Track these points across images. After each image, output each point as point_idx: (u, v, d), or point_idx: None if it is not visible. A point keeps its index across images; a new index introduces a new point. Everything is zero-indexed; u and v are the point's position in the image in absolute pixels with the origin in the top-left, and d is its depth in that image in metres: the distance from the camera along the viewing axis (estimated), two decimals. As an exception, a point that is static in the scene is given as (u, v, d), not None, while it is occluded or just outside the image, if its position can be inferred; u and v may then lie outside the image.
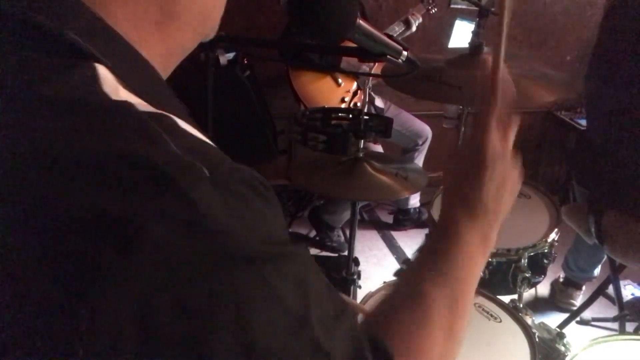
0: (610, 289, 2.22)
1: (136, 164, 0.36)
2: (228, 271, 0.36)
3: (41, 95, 0.39)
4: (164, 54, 0.49)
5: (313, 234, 2.98)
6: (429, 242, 0.67)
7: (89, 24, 0.43)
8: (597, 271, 2.47)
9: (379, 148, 2.68)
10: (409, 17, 2.66)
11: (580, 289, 2.53)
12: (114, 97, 0.40)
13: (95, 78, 0.40)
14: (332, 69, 2.60)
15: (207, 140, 0.43)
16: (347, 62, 2.50)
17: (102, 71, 0.41)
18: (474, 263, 0.65)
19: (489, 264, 1.52)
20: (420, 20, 2.69)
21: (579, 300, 2.51)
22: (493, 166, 0.66)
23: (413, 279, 0.62)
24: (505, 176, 0.68)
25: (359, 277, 1.85)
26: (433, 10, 2.75)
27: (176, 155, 0.37)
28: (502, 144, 0.67)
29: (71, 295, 0.34)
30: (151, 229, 0.34)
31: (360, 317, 0.55)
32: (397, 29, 2.66)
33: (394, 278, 1.92)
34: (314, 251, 2.88)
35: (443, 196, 0.70)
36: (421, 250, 0.65)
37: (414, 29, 2.68)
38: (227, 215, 0.37)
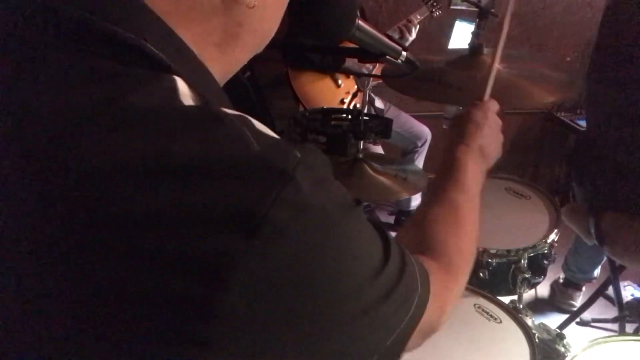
0: (610, 290, 2.22)
1: (240, 161, 0.39)
2: (333, 233, 0.42)
3: (129, 105, 0.39)
4: (221, 71, 0.51)
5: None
6: (442, 168, 0.83)
7: (164, 37, 0.44)
8: (597, 272, 2.47)
9: (378, 149, 2.68)
10: (402, 27, 2.64)
11: (580, 289, 2.53)
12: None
13: (175, 90, 0.42)
14: (333, 70, 2.60)
15: (276, 136, 0.46)
16: (352, 61, 2.49)
17: (181, 84, 0.43)
18: (478, 179, 0.83)
19: (488, 264, 1.52)
20: (418, 28, 2.67)
21: (579, 301, 2.51)
22: (488, 123, 0.90)
23: (439, 192, 0.77)
24: (495, 134, 0.91)
25: (358, 277, 1.84)
26: (437, 13, 2.74)
27: (269, 148, 0.41)
28: (496, 115, 0.94)
29: (201, 290, 0.36)
30: (274, 213, 0.38)
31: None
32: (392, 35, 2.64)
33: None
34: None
35: (448, 140, 0.88)
36: (439, 174, 0.83)
37: (410, 37, 2.66)
38: (317, 191, 0.41)
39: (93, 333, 0.37)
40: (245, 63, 0.56)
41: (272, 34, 0.56)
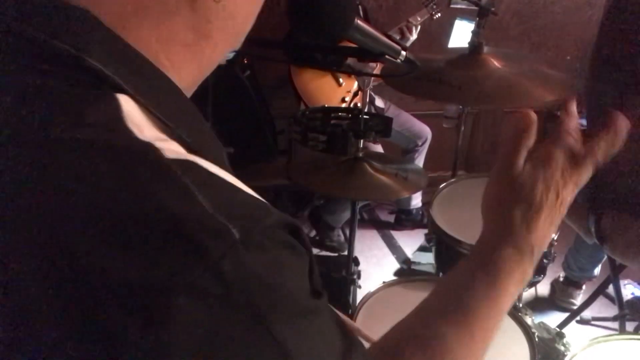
0: (611, 289, 2.22)
1: (164, 226, 0.33)
2: (257, 345, 0.35)
3: (60, 137, 0.35)
4: (195, 73, 0.47)
5: (313, 233, 2.98)
6: (468, 263, 0.61)
7: (111, 49, 0.40)
8: (597, 270, 2.47)
9: (379, 148, 2.68)
10: (403, 27, 2.64)
11: (580, 288, 2.53)
12: (139, 135, 0.37)
13: (118, 113, 0.37)
14: (336, 67, 2.60)
15: (238, 184, 0.40)
16: (353, 60, 2.49)
17: (126, 104, 0.38)
18: (510, 301, 0.59)
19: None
20: (419, 28, 2.67)
21: (579, 299, 2.51)
22: (549, 205, 0.59)
23: (454, 297, 0.58)
24: (554, 220, 0.61)
25: (358, 276, 1.85)
26: (437, 15, 2.75)
27: (206, 216, 0.34)
28: (563, 191, 0.60)
29: None
30: (180, 303, 0.32)
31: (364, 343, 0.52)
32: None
33: (394, 278, 1.92)
34: (313, 251, 2.88)
35: (488, 217, 0.63)
36: (460, 271, 0.61)
37: (411, 37, 2.66)
38: (258, 283, 0.35)
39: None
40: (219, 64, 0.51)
41: (247, 30, 0.52)
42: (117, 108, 0.37)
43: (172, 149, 0.38)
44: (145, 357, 0.32)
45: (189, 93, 0.48)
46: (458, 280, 0.60)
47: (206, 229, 0.34)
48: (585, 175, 0.61)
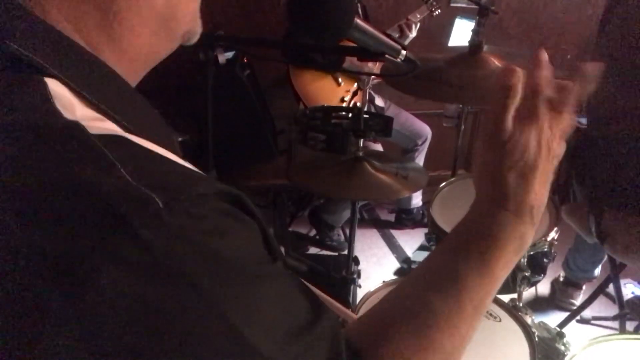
0: (611, 288, 2.22)
1: (83, 197, 0.34)
2: (182, 310, 0.34)
3: None
4: (124, 59, 0.46)
5: (313, 233, 2.98)
6: (459, 229, 0.59)
7: (36, 33, 0.40)
8: (597, 271, 2.47)
9: (379, 147, 2.68)
10: (403, 25, 2.64)
11: (580, 289, 2.53)
12: (68, 115, 0.37)
13: (46, 95, 0.38)
14: (334, 69, 2.60)
15: (175, 159, 0.40)
16: (351, 61, 2.50)
17: (54, 86, 0.38)
18: (507, 268, 0.58)
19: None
20: (418, 26, 2.68)
21: (579, 300, 2.51)
22: (542, 164, 0.58)
23: (443, 265, 0.56)
24: (549, 174, 0.60)
25: (358, 276, 1.85)
26: (436, 12, 2.75)
27: (127, 186, 0.35)
28: (557, 143, 0.60)
29: (19, 337, 0.32)
30: (102, 271, 0.32)
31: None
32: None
33: (394, 277, 1.92)
34: (313, 250, 2.89)
35: (481, 184, 0.62)
36: (451, 238, 0.58)
37: (410, 35, 2.66)
38: (189, 250, 0.35)
39: None
40: (167, 54, 0.50)
41: (189, 15, 0.49)
42: (44, 91, 0.38)
43: (104, 127, 0.38)
44: (70, 327, 0.32)
45: (130, 82, 0.47)
46: (451, 249, 0.57)
47: (126, 199, 0.34)
48: (568, 123, 0.59)
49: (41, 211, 0.34)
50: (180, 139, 0.48)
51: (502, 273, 0.57)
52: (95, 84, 0.42)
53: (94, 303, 0.32)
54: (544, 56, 0.59)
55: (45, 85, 0.38)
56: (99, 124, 0.39)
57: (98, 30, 0.44)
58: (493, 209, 0.57)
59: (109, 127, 0.39)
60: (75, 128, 0.37)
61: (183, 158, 0.45)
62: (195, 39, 0.52)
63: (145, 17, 0.46)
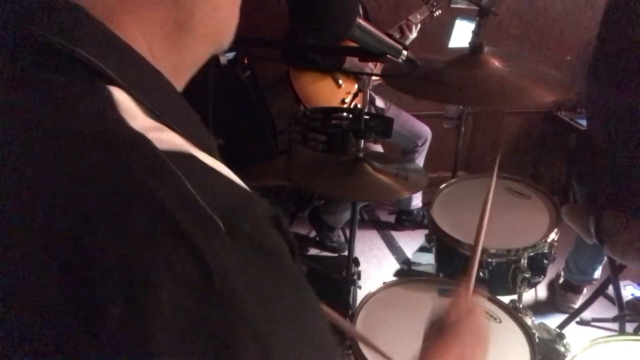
0: (610, 290, 2.22)
1: (150, 211, 0.34)
2: (233, 346, 0.34)
3: (53, 128, 0.36)
4: (177, 66, 0.48)
5: (313, 234, 2.98)
6: None
7: (102, 41, 0.40)
8: (597, 273, 2.46)
9: (379, 148, 2.68)
10: (403, 25, 2.65)
11: (580, 292, 2.52)
12: (132, 124, 0.38)
13: (111, 104, 0.38)
14: (334, 70, 2.60)
15: (228, 174, 0.41)
16: (351, 62, 2.50)
17: (118, 95, 0.39)
18: None
19: (488, 264, 1.52)
20: (419, 27, 2.69)
21: (578, 304, 2.51)
22: (466, 329, 0.79)
23: None
24: (475, 339, 0.80)
25: (359, 277, 1.85)
26: (437, 13, 2.75)
27: (194, 205, 0.35)
28: (474, 315, 0.82)
29: (73, 344, 0.32)
30: (161, 288, 0.33)
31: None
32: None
33: (394, 278, 1.92)
34: (314, 251, 2.89)
35: (421, 348, 0.79)
36: None
37: (411, 35, 2.67)
38: (240, 279, 0.35)
39: None
40: (205, 61, 0.51)
41: (232, 28, 0.52)
42: (109, 99, 0.38)
43: (167, 139, 0.39)
44: (126, 336, 0.32)
45: (178, 88, 0.48)
46: None
47: (192, 218, 0.34)
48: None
49: (109, 222, 0.34)
50: (219, 143, 0.50)
51: None
52: (155, 94, 0.42)
53: (153, 316, 0.32)
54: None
55: (110, 93, 0.39)
56: (161, 135, 0.39)
57: (166, 40, 0.45)
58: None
59: (171, 138, 0.40)
60: (143, 141, 0.37)
61: (223, 162, 0.46)
62: (224, 48, 0.54)
63: (212, 31, 0.49)
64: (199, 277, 0.34)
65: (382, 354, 0.87)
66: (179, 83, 0.49)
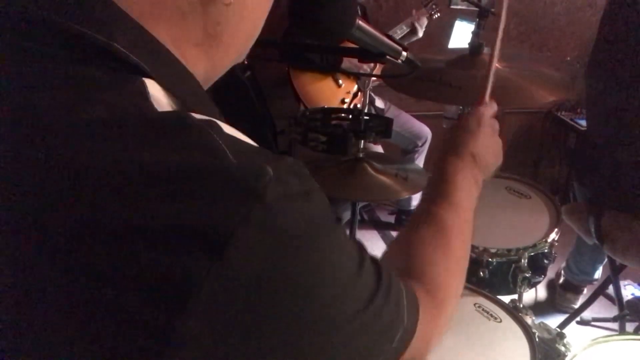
0: (611, 289, 2.22)
1: (211, 174, 0.37)
2: (304, 256, 0.39)
3: (93, 115, 0.38)
4: (208, 72, 0.50)
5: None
6: (432, 181, 0.78)
7: (137, 38, 0.42)
8: (598, 273, 2.46)
9: (379, 148, 2.68)
10: (415, 22, 2.66)
11: (580, 293, 2.52)
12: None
13: (144, 94, 0.40)
14: (333, 70, 2.60)
15: (252, 142, 0.44)
16: (349, 62, 2.50)
17: (151, 86, 0.41)
18: (471, 191, 0.77)
19: (489, 264, 1.52)
20: (426, 23, 2.70)
21: (578, 304, 2.51)
22: (482, 129, 0.84)
23: (428, 210, 0.72)
24: (491, 140, 0.86)
25: (359, 277, 1.84)
26: (436, 15, 2.76)
27: (243, 161, 0.38)
28: (492, 119, 0.88)
29: (161, 313, 0.34)
30: (241, 233, 0.36)
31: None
32: (399, 32, 2.67)
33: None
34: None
35: (440, 151, 0.83)
36: (428, 188, 0.79)
37: (420, 34, 2.69)
38: (290, 210, 0.39)
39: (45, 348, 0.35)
40: (231, 66, 0.55)
41: (255, 35, 0.54)
42: (142, 89, 0.41)
43: (195, 114, 0.41)
44: (213, 290, 0.35)
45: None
46: (431, 191, 0.77)
47: (247, 171, 0.38)
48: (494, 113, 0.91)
49: (170, 191, 0.36)
50: None
51: (468, 199, 0.76)
52: (183, 87, 0.45)
53: (233, 263, 0.35)
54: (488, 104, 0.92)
55: (144, 84, 0.41)
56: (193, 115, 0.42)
57: (196, 48, 0.47)
58: (443, 156, 0.80)
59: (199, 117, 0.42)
60: (182, 115, 0.40)
61: None
62: (243, 58, 0.58)
63: (239, 38, 0.51)
64: (268, 218, 0.37)
65: None
66: (205, 86, 0.52)
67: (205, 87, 0.51)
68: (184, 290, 0.34)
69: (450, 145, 0.82)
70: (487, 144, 0.84)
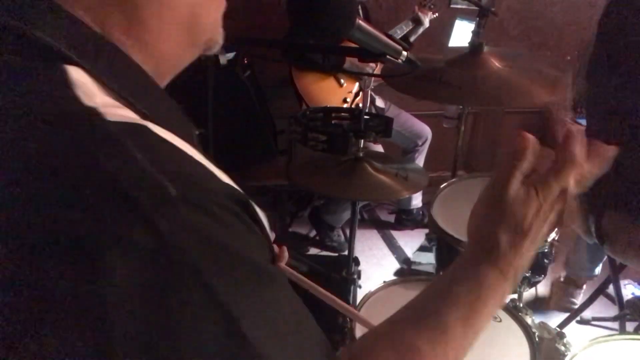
0: (611, 289, 2.22)
1: (98, 182, 0.34)
2: (185, 300, 0.34)
3: (4, 106, 0.37)
4: (151, 62, 0.47)
5: (313, 233, 2.98)
6: (448, 278, 0.60)
7: (62, 23, 0.41)
8: (598, 270, 2.47)
9: (379, 148, 2.68)
10: (418, 13, 2.67)
11: (580, 287, 2.53)
12: (88, 101, 0.38)
13: (66, 81, 0.39)
14: (334, 70, 2.60)
15: (191, 152, 0.41)
16: (351, 62, 2.50)
17: (76, 73, 0.40)
18: (487, 322, 0.59)
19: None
20: (432, 15, 2.72)
21: (579, 299, 2.51)
22: (537, 224, 0.59)
23: (440, 313, 0.57)
24: (537, 239, 0.61)
25: (359, 276, 1.85)
26: (434, 15, 2.77)
27: (142, 172, 0.35)
28: (556, 200, 0.60)
29: (28, 319, 0.33)
30: (113, 255, 0.33)
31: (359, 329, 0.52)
32: (404, 28, 2.68)
33: (394, 278, 1.92)
34: (314, 251, 2.89)
35: (475, 238, 0.62)
36: (440, 284, 0.60)
37: (426, 24, 2.70)
38: (196, 240, 0.35)
39: None
40: (190, 60, 0.51)
41: (210, 27, 0.51)
42: (63, 77, 0.39)
43: (122, 114, 0.39)
44: (80, 308, 0.33)
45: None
46: (439, 295, 0.59)
47: (141, 185, 0.35)
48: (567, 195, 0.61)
49: (55, 194, 0.34)
50: (197, 132, 0.50)
51: (483, 326, 0.58)
52: (119, 73, 0.43)
53: (104, 284, 0.33)
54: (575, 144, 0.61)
55: (65, 71, 0.39)
56: (119, 111, 0.39)
57: (125, 35, 0.45)
58: (483, 264, 0.58)
59: (129, 115, 0.40)
60: (93, 114, 0.37)
61: (201, 151, 0.45)
62: (216, 48, 0.53)
63: (170, 26, 0.48)
64: (149, 239, 0.34)
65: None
66: (160, 79, 0.49)
67: (162, 81, 0.49)
68: (46, 303, 0.33)
69: (492, 244, 0.59)
70: (533, 248, 0.61)
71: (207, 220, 0.36)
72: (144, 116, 0.41)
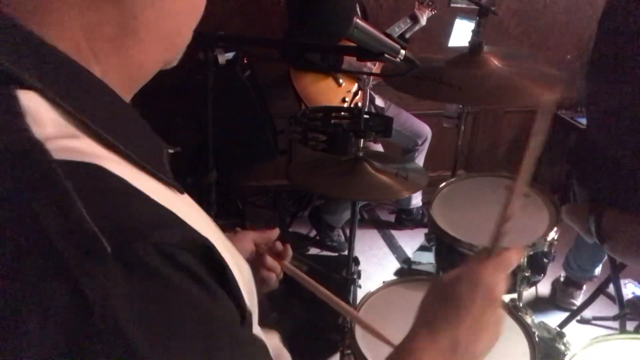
0: (611, 288, 2.22)
1: (28, 235, 0.31)
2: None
3: None
4: (123, 74, 0.45)
5: (313, 233, 2.98)
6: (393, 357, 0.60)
7: (19, 45, 0.38)
8: (598, 270, 2.47)
9: (379, 147, 2.68)
10: (416, 11, 2.68)
11: (581, 288, 2.53)
12: (38, 131, 0.35)
13: (14, 110, 0.35)
14: (333, 70, 2.60)
15: (151, 194, 0.37)
16: (349, 62, 2.50)
17: (29, 99, 0.36)
18: None
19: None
20: (430, 12, 2.72)
21: (579, 299, 2.51)
22: (477, 303, 0.60)
23: None
24: (487, 319, 0.62)
25: (359, 276, 1.85)
26: (432, 13, 2.77)
27: (77, 225, 0.32)
28: (497, 284, 0.62)
29: None
30: (30, 319, 0.30)
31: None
32: (402, 25, 2.68)
33: (394, 278, 1.92)
34: (314, 251, 2.89)
35: (415, 318, 0.63)
36: None
37: (423, 22, 2.71)
38: (128, 310, 0.31)
39: None
40: (153, 75, 0.49)
41: (182, 44, 0.50)
42: (12, 104, 0.35)
43: (73, 148, 0.36)
44: None
45: (124, 97, 0.46)
46: None
47: (72, 241, 0.31)
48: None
49: None
50: (171, 150, 0.47)
51: None
52: (80, 95, 0.40)
53: (18, 351, 0.30)
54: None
55: (16, 98, 0.36)
56: (71, 144, 0.36)
57: (108, 44, 0.43)
58: (414, 332, 0.61)
59: (84, 147, 0.37)
60: (37, 152, 0.34)
61: (171, 170, 0.43)
62: (172, 65, 0.52)
63: (160, 37, 0.46)
64: (73, 303, 0.31)
65: (380, 336, 0.82)
66: (128, 91, 0.47)
67: (129, 92, 0.47)
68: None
69: (426, 314, 0.60)
70: (479, 328, 0.61)
71: (145, 284, 0.33)
72: (103, 142, 0.38)
